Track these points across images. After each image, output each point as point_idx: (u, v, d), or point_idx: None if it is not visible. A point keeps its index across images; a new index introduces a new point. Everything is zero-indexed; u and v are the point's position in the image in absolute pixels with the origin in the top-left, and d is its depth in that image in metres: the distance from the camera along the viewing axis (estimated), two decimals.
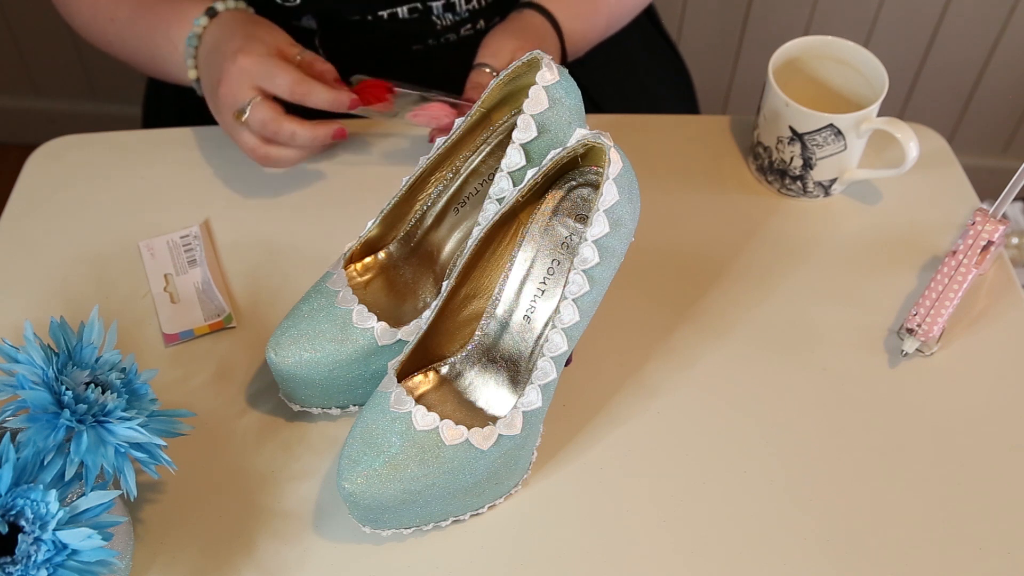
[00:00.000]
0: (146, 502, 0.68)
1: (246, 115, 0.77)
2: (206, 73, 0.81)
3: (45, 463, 0.57)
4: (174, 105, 1.02)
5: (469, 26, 0.93)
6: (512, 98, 0.71)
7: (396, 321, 0.69)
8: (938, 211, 0.85)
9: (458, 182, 0.73)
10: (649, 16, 1.10)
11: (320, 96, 0.77)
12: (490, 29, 0.94)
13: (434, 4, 0.89)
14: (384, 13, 0.89)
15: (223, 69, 0.77)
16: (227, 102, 0.77)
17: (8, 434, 0.56)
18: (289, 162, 0.81)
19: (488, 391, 0.68)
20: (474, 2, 0.91)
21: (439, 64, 0.95)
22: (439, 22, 0.91)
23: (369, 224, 0.71)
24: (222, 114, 0.79)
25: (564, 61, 0.87)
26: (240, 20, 0.81)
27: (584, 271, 0.62)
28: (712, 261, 0.81)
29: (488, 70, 0.82)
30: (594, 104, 1.00)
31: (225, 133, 0.82)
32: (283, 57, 0.78)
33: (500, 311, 0.68)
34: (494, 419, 0.66)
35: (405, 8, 0.89)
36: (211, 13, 0.82)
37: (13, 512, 0.55)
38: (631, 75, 1.06)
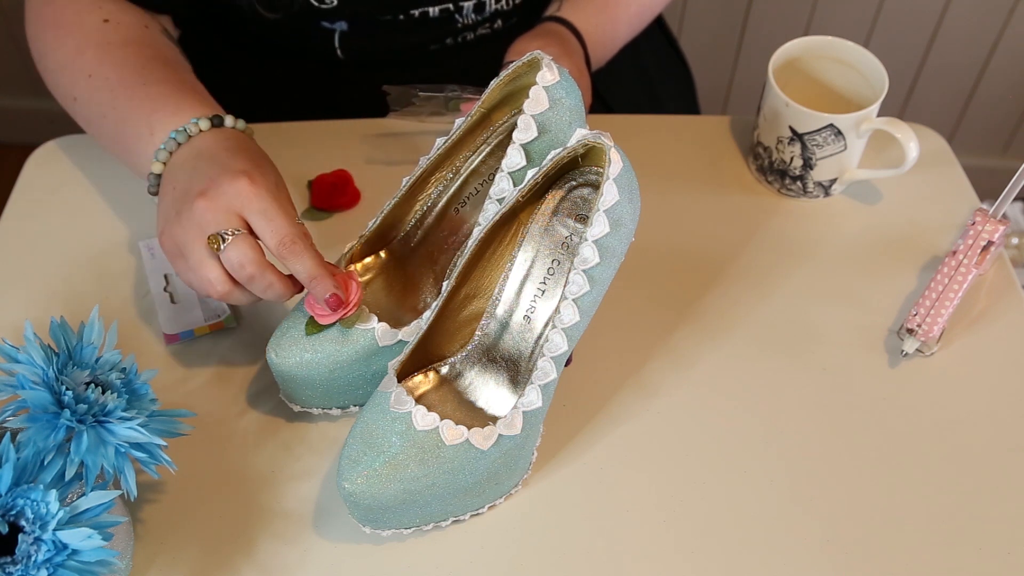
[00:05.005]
0: (146, 502, 0.68)
1: (224, 245, 0.64)
2: (182, 177, 0.68)
3: (45, 463, 0.57)
4: None
5: (487, 25, 0.94)
6: (512, 98, 0.71)
7: (396, 321, 0.69)
8: (938, 211, 0.85)
9: (458, 182, 0.73)
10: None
11: (307, 265, 0.64)
12: (505, 29, 0.94)
13: (465, 4, 0.90)
14: (416, 12, 0.89)
15: (214, 182, 0.65)
16: (202, 218, 0.65)
17: (8, 434, 0.56)
18: (244, 303, 0.68)
19: (488, 391, 0.68)
20: (503, 2, 0.92)
21: (454, 62, 0.95)
22: (462, 21, 0.92)
23: (369, 224, 0.71)
24: (184, 224, 0.65)
25: (589, 71, 0.88)
26: (254, 149, 0.71)
27: (584, 271, 0.62)
28: (712, 261, 0.81)
29: None
30: (603, 103, 1.00)
31: (170, 245, 0.67)
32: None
33: (500, 311, 0.68)
34: (494, 419, 0.66)
35: (436, 8, 0.89)
36: (216, 122, 0.71)
37: (13, 512, 0.55)
38: (637, 75, 1.06)
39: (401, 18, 0.90)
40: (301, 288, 0.67)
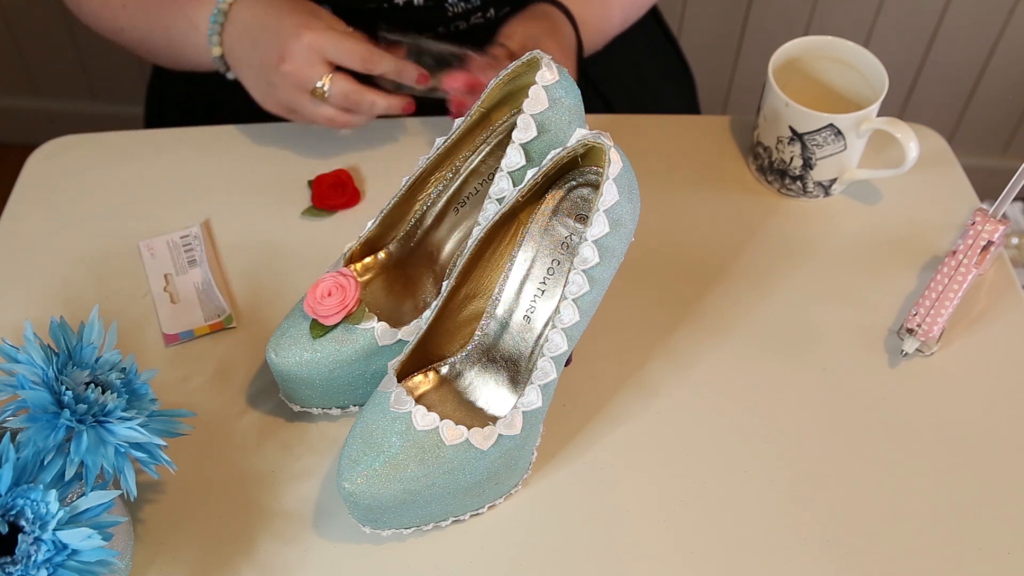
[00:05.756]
0: (146, 502, 0.68)
1: (326, 90, 0.78)
2: (249, 51, 0.80)
3: (45, 463, 0.57)
4: (179, 106, 1.02)
5: (479, 14, 0.94)
6: (512, 98, 0.71)
7: (396, 321, 0.69)
8: (938, 211, 0.85)
9: (458, 182, 0.73)
10: (653, 14, 1.10)
11: (389, 65, 0.80)
12: (499, 18, 0.94)
13: None
14: (400, 0, 0.89)
15: (284, 46, 0.77)
16: (296, 79, 0.78)
17: (8, 434, 0.56)
18: (361, 125, 0.83)
19: (488, 391, 0.68)
20: None
21: None
22: (451, 9, 0.92)
23: (369, 224, 0.71)
24: (283, 90, 0.79)
25: (581, 53, 0.88)
26: (284, 1, 0.81)
27: (584, 271, 0.62)
28: (712, 261, 0.81)
29: (503, 47, 0.83)
30: (604, 102, 1.00)
31: (279, 109, 0.81)
32: None
33: (500, 311, 0.68)
34: (494, 419, 0.66)
35: None
36: None
37: (13, 512, 0.55)
38: (637, 75, 1.06)
39: (385, 6, 0.90)
40: (396, 97, 0.81)
